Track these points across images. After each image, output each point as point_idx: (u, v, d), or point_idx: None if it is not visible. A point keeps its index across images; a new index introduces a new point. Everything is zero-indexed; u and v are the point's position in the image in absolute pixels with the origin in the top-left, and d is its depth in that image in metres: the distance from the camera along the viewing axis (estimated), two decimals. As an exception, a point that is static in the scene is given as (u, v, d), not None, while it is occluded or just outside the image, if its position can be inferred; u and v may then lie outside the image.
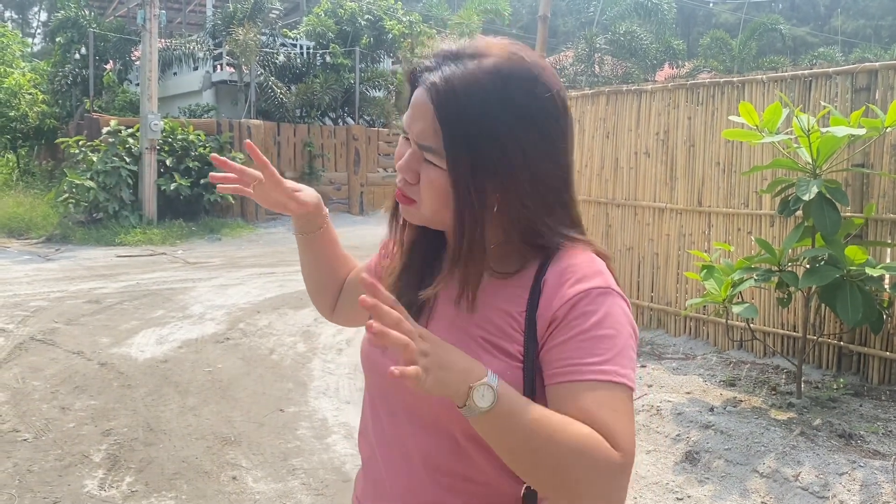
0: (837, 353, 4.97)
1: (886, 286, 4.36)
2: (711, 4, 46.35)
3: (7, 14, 57.70)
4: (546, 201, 1.08)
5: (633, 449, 0.96)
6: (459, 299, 1.09)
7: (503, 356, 1.05)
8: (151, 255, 11.66)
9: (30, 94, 18.61)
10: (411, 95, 1.09)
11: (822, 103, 4.64)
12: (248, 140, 1.34)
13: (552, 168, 1.07)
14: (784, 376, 4.97)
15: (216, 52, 16.79)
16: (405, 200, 1.10)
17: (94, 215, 13.46)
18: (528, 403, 0.93)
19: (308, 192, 1.38)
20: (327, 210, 1.43)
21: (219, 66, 17.30)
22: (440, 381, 0.88)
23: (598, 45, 20.88)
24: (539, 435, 0.91)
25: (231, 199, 14.25)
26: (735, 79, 5.55)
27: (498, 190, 1.04)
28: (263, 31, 16.18)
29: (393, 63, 18.11)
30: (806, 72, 5.06)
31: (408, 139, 1.09)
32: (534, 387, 1.03)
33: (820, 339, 4.85)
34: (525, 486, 1.07)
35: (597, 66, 20.83)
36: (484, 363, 0.97)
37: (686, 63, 23.06)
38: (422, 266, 1.18)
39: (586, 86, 19.92)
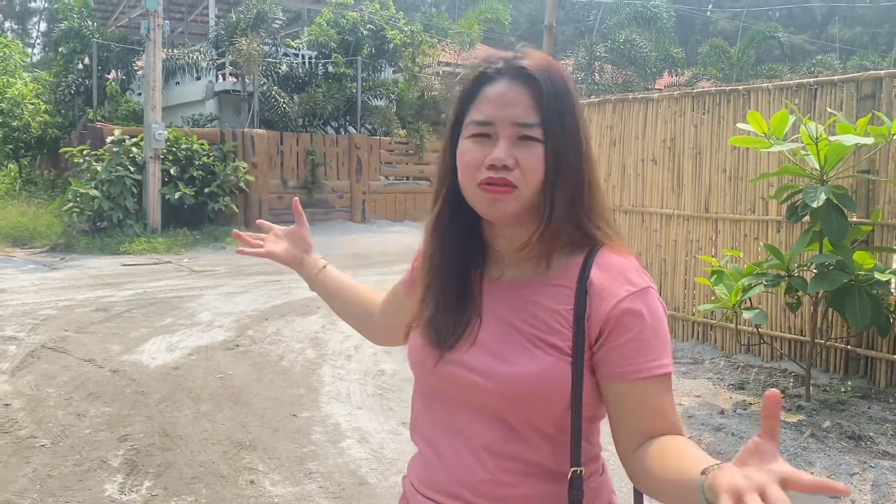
0: (845, 357, 5.03)
1: (894, 290, 4.43)
2: (709, 13, 46.60)
3: (7, 24, 57.90)
4: (592, 187, 1.22)
5: None
6: (539, 263, 1.20)
7: (554, 351, 1.15)
8: (157, 263, 11.71)
9: (32, 104, 18.70)
10: (471, 95, 1.19)
11: (830, 111, 4.71)
12: (259, 220, 1.68)
13: (591, 156, 1.23)
14: (792, 380, 5.03)
15: (219, 61, 16.88)
16: (505, 189, 1.15)
17: (99, 224, 13.51)
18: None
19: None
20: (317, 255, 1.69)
21: (221, 76, 17.39)
22: None
23: (597, 54, 21.00)
24: None
25: (234, 207, 14.32)
26: (741, 87, 5.64)
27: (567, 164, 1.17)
28: (266, 40, 16.27)
29: (394, 72, 18.21)
30: (811, 80, 5.14)
31: (482, 135, 1.16)
32: (582, 379, 1.15)
33: (828, 342, 4.91)
34: (573, 469, 1.16)
35: (597, 75, 20.94)
36: (536, 358, 1.12)
37: (685, 71, 23.20)
38: (460, 280, 1.25)
39: (587, 94, 20.03)
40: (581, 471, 1.17)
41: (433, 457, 1.25)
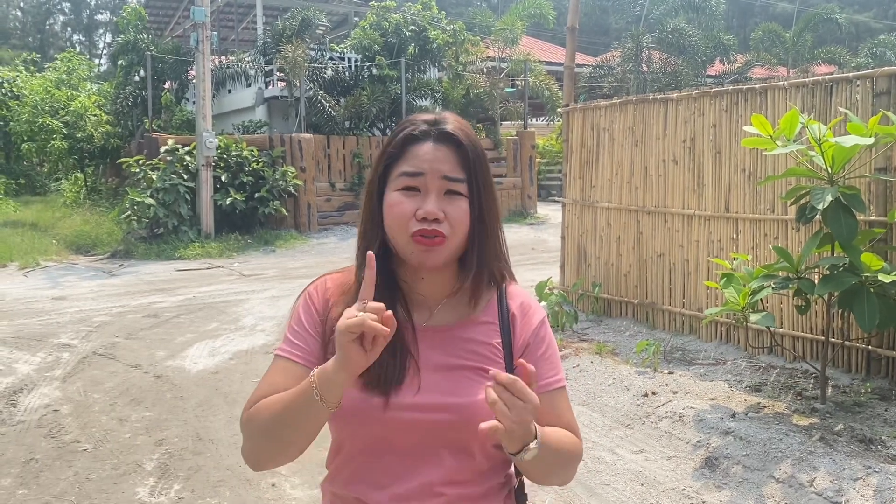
0: (867, 357, 4.96)
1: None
2: (766, -6, 45.25)
3: (75, 37, 60.37)
4: (501, 235, 1.40)
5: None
6: (468, 304, 1.36)
7: None
8: (209, 268, 12.13)
9: (95, 115, 19.52)
10: (398, 154, 1.32)
11: (840, 109, 4.65)
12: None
13: (499, 210, 1.39)
14: (812, 381, 4.98)
15: (267, 68, 17.32)
16: (438, 240, 1.29)
17: (155, 231, 14.06)
18: (551, 434, 1.27)
19: None
20: None
21: (270, 83, 17.83)
22: (515, 430, 1.16)
23: (645, 44, 20.71)
24: (558, 454, 1.28)
25: (284, 211, 14.69)
26: (757, 86, 5.59)
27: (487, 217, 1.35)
28: (312, 46, 16.62)
29: (438, 72, 18.34)
30: (826, 77, 5.07)
31: (411, 188, 1.30)
32: None
33: (847, 343, 4.86)
34: (519, 477, 1.42)
35: (644, 66, 20.65)
36: (483, 386, 1.26)
37: (738, 57, 22.66)
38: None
39: (634, 86, 19.80)
40: (523, 477, 1.42)
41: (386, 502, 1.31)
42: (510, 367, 1.35)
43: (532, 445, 1.20)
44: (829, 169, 4.19)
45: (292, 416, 1.25)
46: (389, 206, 1.30)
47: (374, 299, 1.28)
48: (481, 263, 1.35)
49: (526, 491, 1.45)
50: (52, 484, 4.15)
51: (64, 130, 19.44)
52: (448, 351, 1.34)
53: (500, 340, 1.36)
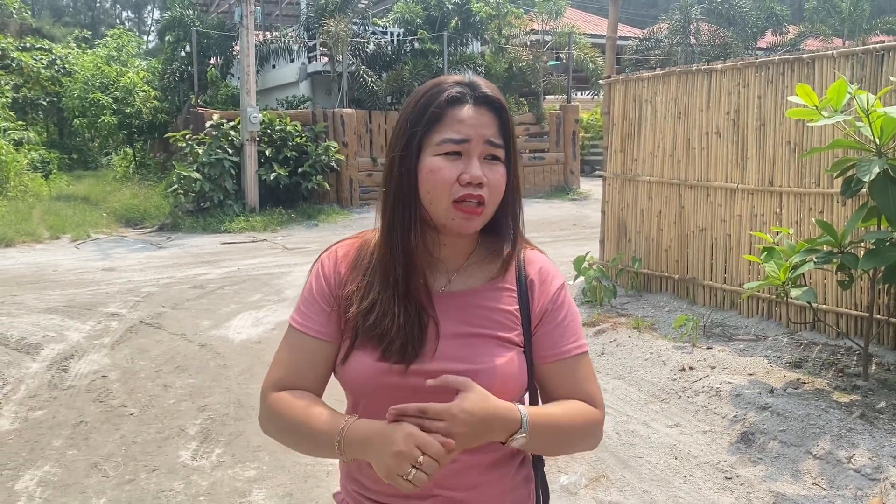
0: (914, 335, 4.84)
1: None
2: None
3: (124, 14, 61.35)
4: (519, 198, 1.39)
5: (603, 402, 1.39)
6: (503, 265, 1.36)
7: (511, 345, 1.34)
8: (253, 241, 12.34)
9: (143, 91, 19.88)
10: (437, 117, 1.28)
11: (891, 78, 4.50)
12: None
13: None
14: (855, 358, 4.88)
15: (310, 43, 17.37)
16: (480, 209, 1.29)
17: (202, 205, 14.31)
18: (546, 416, 1.28)
19: None
20: None
21: (313, 58, 17.89)
22: (480, 439, 1.21)
23: (694, 15, 20.21)
24: (556, 433, 1.29)
25: (327, 185, 14.82)
26: (805, 55, 5.43)
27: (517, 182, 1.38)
28: (354, 20, 16.61)
29: (481, 45, 18.18)
30: (878, 45, 4.90)
31: (453, 153, 1.27)
32: (532, 365, 1.35)
33: (892, 319, 4.74)
34: None
35: (692, 38, 20.16)
36: (498, 354, 1.30)
37: (791, 28, 21.99)
38: (411, 295, 1.32)
39: (681, 57, 19.38)
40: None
41: None
42: (528, 333, 1.35)
43: (518, 436, 1.22)
44: (877, 140, 4.07)
45: (310, 444, 1.31)
46: (430, 171, 1.27)
47: (393, 267, 1.30)
48: (515, 228, 1.37)
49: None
50: (100, 446, 4.31)
51: (114, 106, 19.85)
52: (465, 318, 1.33)
53: (517, 307, 1.35)
